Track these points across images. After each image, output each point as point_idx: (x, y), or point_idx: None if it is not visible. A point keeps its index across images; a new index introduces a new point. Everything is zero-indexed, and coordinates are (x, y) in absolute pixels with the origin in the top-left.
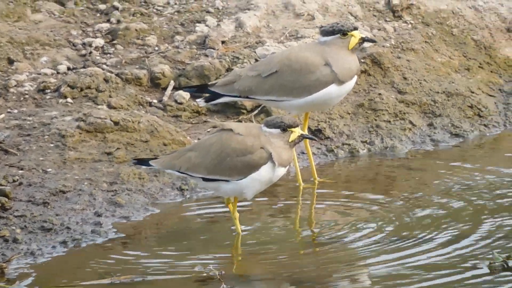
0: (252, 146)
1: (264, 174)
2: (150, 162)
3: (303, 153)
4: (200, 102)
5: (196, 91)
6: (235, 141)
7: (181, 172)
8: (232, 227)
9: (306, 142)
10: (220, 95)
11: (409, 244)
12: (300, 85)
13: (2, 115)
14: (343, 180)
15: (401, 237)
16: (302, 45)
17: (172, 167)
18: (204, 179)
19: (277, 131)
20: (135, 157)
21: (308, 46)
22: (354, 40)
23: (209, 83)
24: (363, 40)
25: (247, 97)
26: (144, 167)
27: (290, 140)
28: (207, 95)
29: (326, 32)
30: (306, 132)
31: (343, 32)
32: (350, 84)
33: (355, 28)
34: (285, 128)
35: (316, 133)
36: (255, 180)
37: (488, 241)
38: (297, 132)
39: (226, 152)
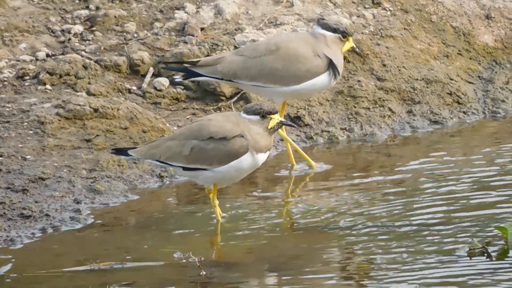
0: (231, 131)
1: (244, 162)
2: (129, 152)
3: (281, 140)
4: (178, 78)
5: (177, 70)
6: (213, 126)
7: (161, 162)
8: (212, 214)
9: (282, 128)
10: (200, 75)
11: (387, 230)
12: (289, 73)
13: None
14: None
15: (380, 223)
16: (291, 33)
17: (151, 157)
18: (184, 168)
19: (256, 117)
20: (113, 147)
21: (299, 35)
22: (348, 45)
23: (189, 61)
24: (352, 49)
25: (230, 81)
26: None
27: (269, 127)
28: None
29: (328, 27)
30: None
31: (344, 35)
32: (338, 79)
33: (352, 34)
34: (264, 114)
35: (295, 120)
36: (234, 168)
37: (467, 228)
38: (276, 118)
39: (204, 136)
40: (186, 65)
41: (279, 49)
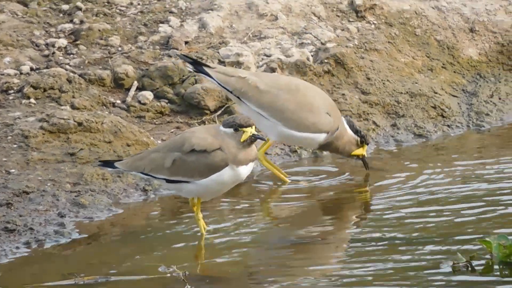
0: (211, 144)
1: (225, 176)
2: (115, 164)
3: (266, 153)
4: (189, 67)
5: (193, 63)
6: (195, 139)
7: (145, 174)
8: (196, 228)
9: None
10: (211, 78)
11: (370, 244)
12: (296, 118)
13: None
14: (306, 180)
15: (364, 238)
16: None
17: (136, 169)
18: (167, 181)
19: (230, 130)
20: (100, 159)
21: (320, 90)
22: (360, 151)
23: (207, 64)
24: (363, 159)
25: (238, 97)
26: (109, 169)
27: (241, 140)
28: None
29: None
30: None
31: (362, 140)
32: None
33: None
34: (236, 127)
35: None
36: (216, 181)
37: (451, 242)
38: (249, 132)
39: (187, 150)
40: (203, 66)
41: (298, 91)
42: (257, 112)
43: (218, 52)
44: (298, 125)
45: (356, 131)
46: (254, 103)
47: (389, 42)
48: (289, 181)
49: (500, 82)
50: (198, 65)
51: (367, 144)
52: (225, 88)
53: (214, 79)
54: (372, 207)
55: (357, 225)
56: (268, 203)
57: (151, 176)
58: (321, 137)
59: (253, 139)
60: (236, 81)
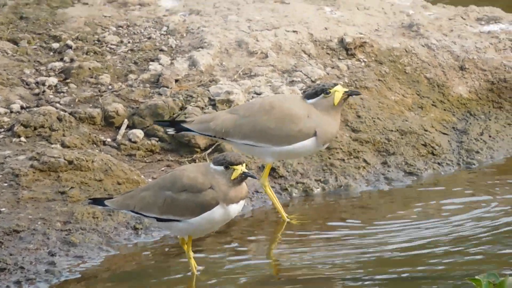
0: (202, 183)
1: (216, 214)
2: (105, 202)
3: (257, 191)
4: (170, 131)
5: (169, 125)
6: (186, 178)
7: (135, 212)
8: (188, 267)
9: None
10: (193, 132)
11: (360, 281)
12: (281, 133)
13: None
14: (297, 218)
15: (356, 278)
16: (284, 95)
17: (126, 207)
18: (158, 219)
19: (220, 168)
20: (90, 197)
21: (293, 96)
22: (338, 95)
23: (181, 120)
24: (347, 94)
25: (222, 138)
26: (99, 207)
27: (232, 178)
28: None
29: (314, 93)
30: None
31: (327, 92)
32: (326, 145)
33: (336, 84)
34: (227, 165)
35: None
36: (207, 220)
37: (441, 281)
38: (239, 169)
39: (178, 188)
40: (180, 123)
41: (273, 108)
42: (244, 143)
43: (209, 90)
44: (286, 139)
45: (316, 93)
46: (238, 137)
47: (379, 80)
48: (288, 219)
49: (490, 120)
50: (176, 124)
51: (331, 87)
52: (207, 135)
53: (195, 131)
54: (361, 247)
55: (346, 263)
56: (260, 241)
57: (141, 214)
58: (313, 140)
59: (243, 177)
60: (214, 125)
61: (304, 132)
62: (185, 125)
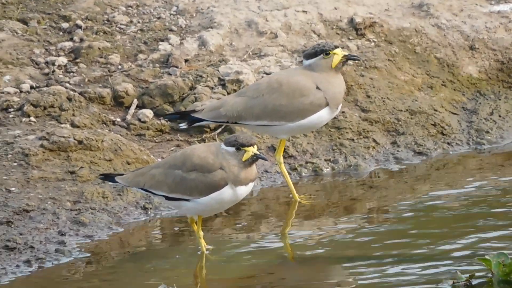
0: (213, 164)
1: (224, 195)
2: (116, 179)
3: (266, 171)
4: (183, 125)
5: (179, 117)
6: (196, 157)
7: (145, 190)
8: (197, 246)
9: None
10: (205, 121)
11: (370, 262)
12: (293, 109)
13: None
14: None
15: (367, 256)
16: (289, 69)
17: (136, 184)
18: (167, 198)
19: (232, 149)
20: (101, 173)
21: (297, 70)
22: (336, 58)
23: (191, 110)
24: (346, 58)
25: (236, 123)
26: (109, 183)
27: (243, 159)
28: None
29: (314, 53)
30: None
31: (327, 52)
32: (339, 108)
33: (336, 47)
34: (238, 147)
35: None
36: (215, 200)
37: (451, 260)
38: (250, 151)
39: (187, 167)
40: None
41: (281, 85)
42: (258, 125)
43: (218, 70)
44: (299, 114)
45: (315, 53)
46: (251, 120)
47: (389, 60)
48: (299, 199)
49: (500, 99)
50: (187, 115)
51: (332, 49)
52: (220, 122)
53: (207, 120)
54: (371, 225)
55: (356, 242)
56: (269, 222)
57: (151, 192)
58: (326, 110)
59: (254, 158)
60: (225, 111)
61: (316, 104)
62: (196, 115)
